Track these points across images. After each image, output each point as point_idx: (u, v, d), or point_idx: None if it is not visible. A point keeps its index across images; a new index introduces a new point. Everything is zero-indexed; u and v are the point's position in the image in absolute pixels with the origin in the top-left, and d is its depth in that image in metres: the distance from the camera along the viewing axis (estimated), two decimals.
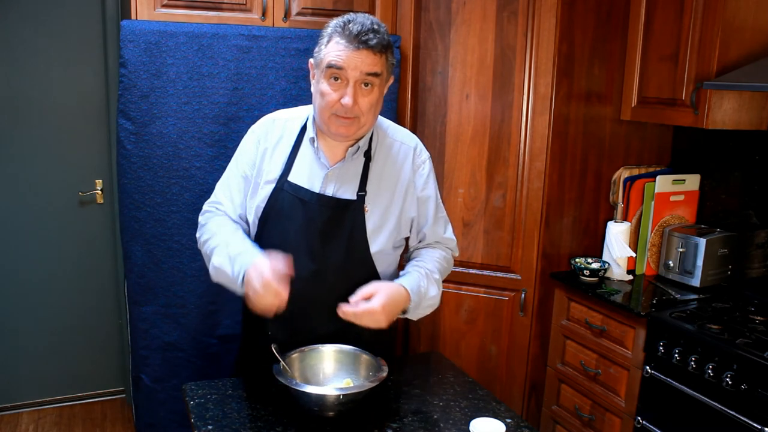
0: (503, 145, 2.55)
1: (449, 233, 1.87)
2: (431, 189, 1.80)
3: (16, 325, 3.33)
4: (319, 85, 1.61)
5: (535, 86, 2.47)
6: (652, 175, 2.64)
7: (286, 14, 2.41)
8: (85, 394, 3.54)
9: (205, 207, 1.79)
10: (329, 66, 1.56)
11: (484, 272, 2.65)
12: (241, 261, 1.57)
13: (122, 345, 3.48)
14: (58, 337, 3.41)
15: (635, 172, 2.68)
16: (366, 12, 2.51)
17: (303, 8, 2.43)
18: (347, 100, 1.56)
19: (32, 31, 3.13)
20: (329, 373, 1.67)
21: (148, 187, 2.25)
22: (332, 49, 1.57)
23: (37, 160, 3.24)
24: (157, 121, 2.23)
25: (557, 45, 2.43)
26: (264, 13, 2.38)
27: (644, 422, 2.22)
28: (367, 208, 1.69)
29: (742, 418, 1.88)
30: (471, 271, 2.67)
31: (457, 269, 2.68)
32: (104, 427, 3.30)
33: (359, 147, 1.68)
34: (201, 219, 1.78)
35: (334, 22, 1.60)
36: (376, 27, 1.57)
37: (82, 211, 3.37)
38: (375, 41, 1.55)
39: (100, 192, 3.36)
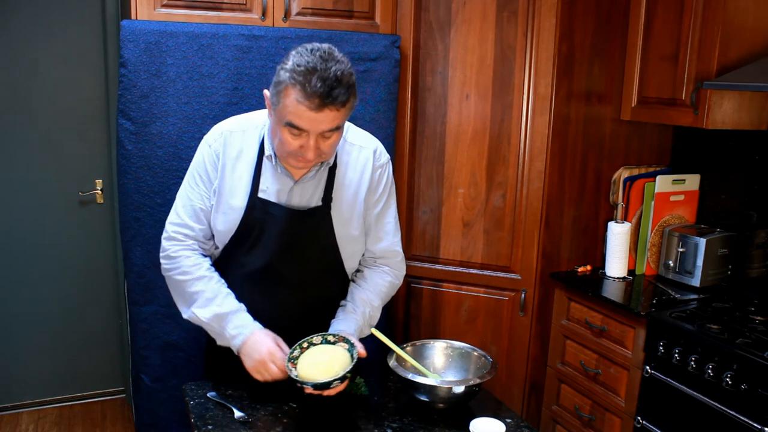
0: (503, 145, 2.55)
1: (394, 244, 1.83)
2: (382, 193, 1.77)
3: (16, 326, 3.33)
4: (277, 129, 1.54)
5: (535, 86, 2.47)
6: (652, 175, 2.64)
7: (286, 14, 2.41)
8: (85, 394, 3.54)
9: (170, 230, 1.71)
10: (288, 124, 1.49)
11: (484, 272, 2.65)
12: (236, 322, 1.64)
13: (122, 345, 3.48)
14: (58, 337, 3.41)
15: (635, 172, 2.68)
16: (366, 12, 2.53)
17: (303, 8, 2.43)
18: (310, 155, 1.52)
19: (32, 31, 3.13)
20: (439, 367, 1.75)
21: (148, 188, 2.25)
22: (291, 106, 1.46)
23: (37, 160, 3.24)
24: (157, 121, 2.23)
25: (557, 45, 2.43)
26: (264, 13, 2.38)
27: (644, 422, 2.22)
28: (333, 214, 1.70)
29: (742, 418, 1.88)
30: (471, 271, 2.67)
31: (457, 269, 2.68)
32: (104, 427, 3.30)
33: (326, 162, 1.66)
34: (167, 245, 1.71)
35: (292, 65, 1.45)
36: (339, 75, 1.44)
37: (82, 211, 3.37)
38: (339, 98, 1.45)
39: (100, 192, 3.36)
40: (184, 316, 1.72)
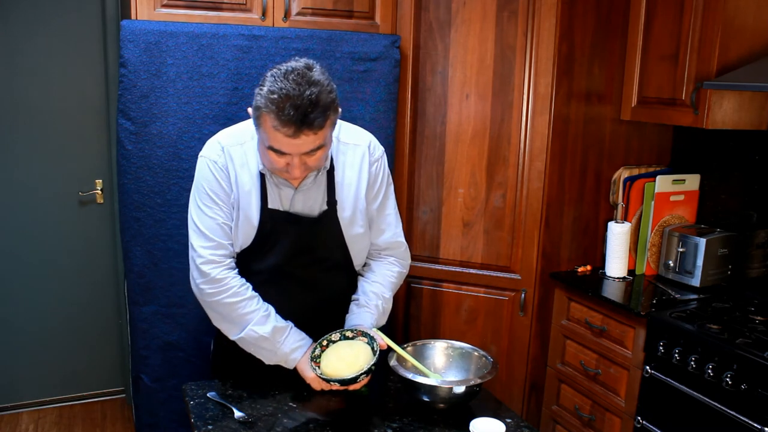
0: (503, 145, 2.55)
1: (397, 235, 1.84)
2: (380, 186, 1.78)
3: (16, 326, 3.33)
4: (264, 149, 1.54)
5: (535, 86, 2.47)
6: (652, 175, 2.64)
7: (286, 14, 2.41)
8: (85, 394, 3.54)
9: (207, 254, 1.65)
10: (270, 147, 1.50)
11: (484, 272, 2.65)
12: (294, 339, 1.68)
13: (122, 345, 3.48)
14: (58, 337, 3.41)
15: (635, 172, 2.68)
16: (366, 11, 2.53)
17: (303, 8, 2.43)
18: (297, 173, 1.53)
19: (32, 31, 3.13)
20: (440, 367, 1.75)
21: (148, 188, 2.25)
22: (269, 132, 1.47)
23: (37, 160, 3.24)
24: (157, 121, 2.23)
25: (557, 45, 2.43)
26: (264, 13, 2.38)
27: (644, 422, 2.22)
28: (339, 215, 1.71)
29: (742, 418, 1.88)
30: (471, 271, 2.67)
31: (457, 269, 2.68)
32: (104, 427, 3.30)
33: (321, 168, 1.67)
34: (208, 269, 1.65)
35: (266, 92, 1.45)
36: (314, 98, 1.42)
37: (82, 211, 3.37)
38: (315, 122, 1.44)
39: (100, 192, 3.36)
40: (234, 337, 1.69)
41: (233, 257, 1.71)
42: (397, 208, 1.86)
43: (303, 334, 1.71)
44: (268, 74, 1.48)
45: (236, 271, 1.70)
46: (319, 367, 1.58)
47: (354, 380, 1.53)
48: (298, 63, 1.48)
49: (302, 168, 1.54)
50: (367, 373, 1.54)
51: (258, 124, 1.51)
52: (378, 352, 1.57)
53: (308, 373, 1.65)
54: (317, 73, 1.48)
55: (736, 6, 2.20)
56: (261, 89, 1.48)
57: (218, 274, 1.65)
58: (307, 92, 1.42)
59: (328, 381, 1.54)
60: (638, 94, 2.55)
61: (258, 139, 1.58)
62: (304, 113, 1.42)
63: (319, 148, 1.52)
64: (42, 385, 3.44)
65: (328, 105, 1.47)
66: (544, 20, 2.42)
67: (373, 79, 2.46)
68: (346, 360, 1.55)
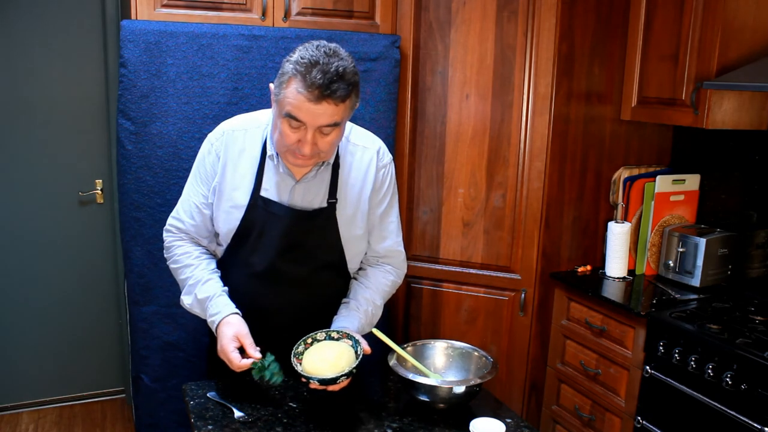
0: (503, 144, 2.55)
1: (397, 244, 1.84)
2: (386, 193, 1.79)
3: (15, 326, 3.33)
4: (278, 122, 1.55)
5: (535, 86, 2.47)
6: (652, 175, 2.64)
7: (286, 14, 2.41)
8: (85, 394, 3.54)
9: (168, 223, 1.81)
10: (287, 115, 1.51)
11: (484, 272, 2.65)
12: (212, 310, 1.67)
13: (122, 345, 3.48)
14: (58, 337, 3.41)
15: (635, 172, 2.68)
16: (366, 12, 2.53)
17: (303, 8, 2.43)
18: (306, 150, 1.53)
19: (32, 31, 3.13)
20: (440, 367, 1.75)
21: (148, 188, 2.25)
22: (291, 96, 1.49)
23: (37, 160, 3.24)
24: (157, 121, 2.23)
25: (557, 45, 2.43)
26: (264, 13, 2.38)
27: (644, 422, 2.22)
28: (338, 215, 1.71)
29: (742, 418, 1.88)
30: (471, 271, 2.67)
31: (457, 269, 2.68)
32: (104, 427, 3.30)
33: (326, 162, 1.67)
34: (164, 236, 1.82)
35: (296, 58, 1.49)
36: (341, 71, 1.47)
37: (82, 211, 3.37)
38: (338, 92, 1.47)
39: (100, 192, 3.37)
40: (181, 303, 1.78)
41: (190, 235, 1.77)
42: (399, 217, 1.86)
43: (221, 305, 1.66)
44: (299, 47, 1.53)
45: (189, 242, 1.77)
46: (300, 363, 1.57)
47: (334, 381, 1.51)
48: (329, 43, 1.54)
49: (313, 147, 1.53)
50: (347, 375, 1.53)
51: (279, 91, 1.52)
52: (361, 356, 1.56)
53: (224, 344, 1.60)
54: (345, 53, 1.53)
55: (736, 6, 2.20)
56: (290, 58, 1.52)
57: (168, 243, 1.80)
58: (336, 63, 1.48)
59: (308, 379, 1.53)
60: (638, 94, 2.55)
61: (274, 114, 1.58)
62: (330, 80, 1.46)
63: (334, 126, 1.53)
64: (42, 385, 3.44)
65: (352, 82, 1.51)
66: (544, 20, 2.42)
67: (373, 79, 2.46)
68: (329, 360, 1.54)
